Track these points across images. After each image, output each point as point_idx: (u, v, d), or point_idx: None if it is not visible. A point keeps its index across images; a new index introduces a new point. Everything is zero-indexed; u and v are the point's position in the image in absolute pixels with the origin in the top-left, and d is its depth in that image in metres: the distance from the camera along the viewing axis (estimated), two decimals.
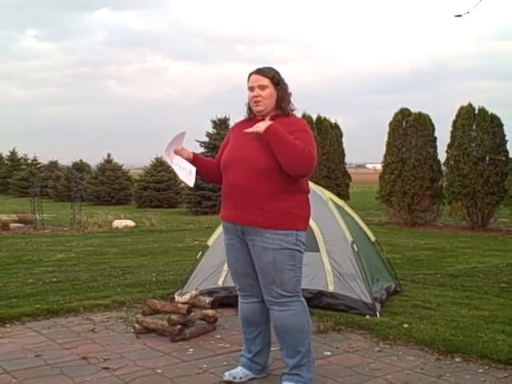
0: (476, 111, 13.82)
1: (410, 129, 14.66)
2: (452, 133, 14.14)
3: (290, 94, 3.46)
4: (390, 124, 15.03)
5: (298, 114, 3.54)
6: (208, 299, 4.79)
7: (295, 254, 3.33)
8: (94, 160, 31.31)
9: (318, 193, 5.65)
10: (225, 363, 3.89)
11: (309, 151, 3.18)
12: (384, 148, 15.18)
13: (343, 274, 5.16)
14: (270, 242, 3.28)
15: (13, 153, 39.63)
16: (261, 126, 3.22)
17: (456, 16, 5.85)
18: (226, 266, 5.06)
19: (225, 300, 5.14)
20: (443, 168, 14.60)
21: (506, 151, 13.67)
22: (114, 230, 13.45)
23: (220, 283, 5.38)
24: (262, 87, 3.37)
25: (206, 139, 22.56)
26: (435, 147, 14.77)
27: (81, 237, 11.80)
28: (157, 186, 24.50)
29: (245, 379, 3.58)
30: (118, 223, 14.12)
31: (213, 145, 21.57)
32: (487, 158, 13.66)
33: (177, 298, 4.62)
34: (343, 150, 17.77)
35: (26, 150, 40.94)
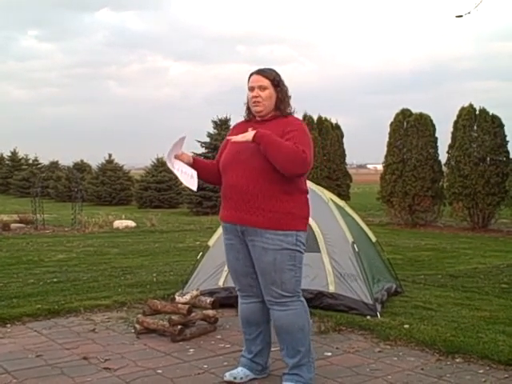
0: (477, 112, 13.81)
1: (410, 129, 14.65)
2: (453, 133, 14.13)
3: (290, 96, 3.47)
4: (391, 124, 15.02)
5: (299, 114, 3.55)
6: (209, 299, 4.79)
7: (295, 254, 3.34)
8: (94, 160, 31.34)
9: (318, 193, 5.65)
10: (225, 363, 3.90)
11: (302, 151, 3.18)
12: (385, 148, 15.18)
13: (344, 274, 5.16)
14: (270, 243, 3.29)
15: (14, 153, 39.64)
16: (247, 135, 3.23)
17: (457, 16, 5.84)
18: (226, 267, 5.07)
19: (225, 300, 5.14)
20: (444, 168, 14.59)
21: (507, 152, 13.66)
22: (114, 230, 13.45)
23: (221, 284, 5.39)
24: (262, 88, 3.37)
25: (207, 140, 22.59)
26: (436, 148, 14.77)
27: (81, 237, 11.80)
28: (158, 187, 24.49)
29: (245, 379, 3.58)
30: (119, 223, 14.12)
31: (214, 145, 21.58)
32: (488, 159, 13.65)
33: (177, 298, 4.63)
34: (344, 151, 17.75)
35: (26, 150, 41.05)
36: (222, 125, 22.56)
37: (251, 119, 3.51)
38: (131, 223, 14.23)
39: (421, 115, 14.69)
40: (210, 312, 4.74)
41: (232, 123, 20.86)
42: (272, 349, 3.71)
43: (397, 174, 14.81)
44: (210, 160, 3.81)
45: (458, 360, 3.98)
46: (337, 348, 4.27)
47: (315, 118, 17.09)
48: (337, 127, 17.75)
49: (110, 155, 29.38)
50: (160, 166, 25.17)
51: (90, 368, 3.83)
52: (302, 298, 3.44)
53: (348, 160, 18.44)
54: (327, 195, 5.81)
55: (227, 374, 3.60)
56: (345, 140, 17.85)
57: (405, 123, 14.84)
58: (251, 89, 3.41)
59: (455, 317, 4.98)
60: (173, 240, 11.37)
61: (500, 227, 14.15)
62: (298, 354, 3.40)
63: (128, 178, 28.62)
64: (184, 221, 16.83)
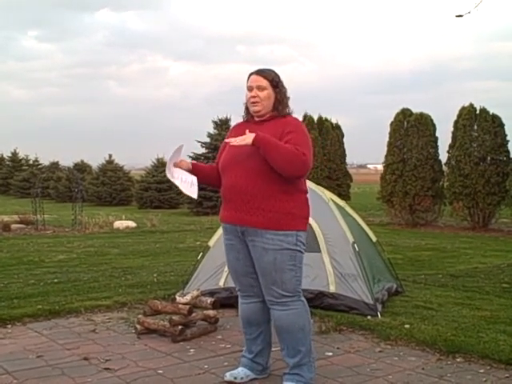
0: (477, 111, 13.81)
1: (411, 129, 14.65)
2: (453, 133, 14.13)
3: (288, 97, 3.47)
4: (391, 124, 15.02)
5: (299, 114, 3.55)
6: (209, 300, 4.79)
7: (296, 254, 3.34)
8: (95, 161, 31.35)
9: (319, 193, 5.65)
10: (226, 364, 3.90)
11: (302, 154, 3.19)
12: (385, 148, 15.17)
13: (344, 274, 5.16)
14: (271, 243, 3.29)
15: (14, 153, 39.65)
16: (247, 139, 3.22)
17: (457, 16, 5.83)
18: (227, 267, 5.07)
19: (226, 300, 5.14)
20: (444, 168, 14.59)
21: (508, 151, 13.66)
22: (115, 230, 13.45)
23: (221, 284, 5.39)
24: (261, 88, 3.38)
25: (207, 140, 22.59)
26: (436, 147, 14.77)
27: (82, 237, 11.80)
28: (158, 187, 24.49)
29: (246, 380, 3.58)
30: (119, 224, 14.12)
31: (214, 145, 21.59)
32: (488, 159, 13.64)
33: (178, 298, 4.63)
34: (344, 151, 17.75)
35: (26, 151, 41.08)
36: (222, 125, 22.57)
37: (249, 120, 3.52)
38: (132, 223, 14.23)
39: (421, 115, 14.68)
40: (211, 312, 4.74)
41: (232, 123, 20.84)
42: (272, 349, 3.71)
43: (397, 173, 14.80)
44: (209, 164, 3.82)
45: (458, 360, 3.98)
46: (337, 348, 4.27)
47: (315, 117, 17.10)
48: (337, 127, 17.75)
49: (110, 155, 29.40)
50: (160, 166, 25.17)
51: (91, 368, 3.83)
52: (303, 298, 3.45)
53: (348, 160, 18.47)
54: (328, 195, 5.81)
55: (228, 374, 3.60)
56: (345, 140, 17.87)
57: (405, 123, 14.83)
58: (250, 88, 3.42)
59: (456, 316, 4.98)
60: (173, 240, 11.37)
61: (500, 227, 14.14)
62: (298, 354, 3.40)
63: (128, 179, 28.62)
64: (184, 221, 16.83)
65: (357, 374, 3.75)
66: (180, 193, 24.49)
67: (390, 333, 4.47)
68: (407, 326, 4.63)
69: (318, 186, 5.92)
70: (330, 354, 4.13)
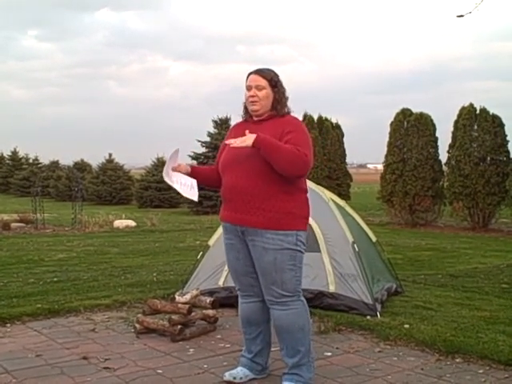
0: (477, 111, 13.80)
1: (411, 129, 14.65)
2: (453, 133, 14.13)
3: (287, 97, 3.47)
4: (392, 124, 15.02)
5: (299, 114, 3.55)
6: (209, 299, 4.79)
7: (296, 254, 3.34)
8: (95, 160, 31.37)
9: (319, 193, 5.65)
10: (225, 363, 3.89)
11: (303, 154, 3.19)
12: (385, 148, 15.17)
13: (344, 274, 5.16)
14: (271, 243, 3.29)
15: (14, 152, 39.67)
16: (247, 140, 3.21)
17: (458, 16, 5.83)
18: (226, 267, 5.07)
19: (225, 300, 5.14)
20: (444, 168, 14.59)
21: (508, 151, 13.66)
22: (114, 229, 13.45)
23: (221, 283, 5.38)
24: (260, 88, 3.38)
25: (208, 139, 22.61)
26: (436, 147, 14.77)
27: (82, 236, 11.80)
28: (158, 186, 24.49)
29: (245, 379, 3.58)
30: (119, 223, 14.12)
31: (214, 144, 21.61)
32: (488, 159, 13.64)
33: (177, 298, 4.63)
34: (344, 150, 17.76)
35: (26, 150, 41.10)
36: (222, 124, 22.58)
37: (248, 120, 3.52)
38: (131, 223, 14.23)
39: (421, 115, 14.68)
40: (210, 312, 4.74)
41: (232, 123, 20.84)
42: (272, 349, 3.71)
43: (397, 173, 14.80)
44: (208, 165, 3.81)
45: (457, 360, 3.98)
46: (337, 348, 4.27)
47: (315, 117, 17.10)
48: (337, 127, 17.75)
49: (110, 155, 29.42)
50: (160, 165, 25.16)
51: (90, 368, 3.83)
52: (303, 298, 3.45)
53: (348, 160, 18.48)
54: (327, 195, 5.81)
55: (227, 373, 3.60)
56: (345, 140, 17.87)
57: (405, 123, 14.84)
58: (249, 88, 3.42)
59: (455, 317, 4.98)
60: (173, 239, 11.37)
61: (500, 227, 14.15)
62: (297, 354, 3.40)
63: (128, 178, 28.63)
64: (184, 220, 16.84)
65: (356, 374, 3.75)
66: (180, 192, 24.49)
67: (389, 333, 4.47)
68: (406, 326, 4.63)
69: (318, 186, 5.92)
70: (330, 354, 4.13)
